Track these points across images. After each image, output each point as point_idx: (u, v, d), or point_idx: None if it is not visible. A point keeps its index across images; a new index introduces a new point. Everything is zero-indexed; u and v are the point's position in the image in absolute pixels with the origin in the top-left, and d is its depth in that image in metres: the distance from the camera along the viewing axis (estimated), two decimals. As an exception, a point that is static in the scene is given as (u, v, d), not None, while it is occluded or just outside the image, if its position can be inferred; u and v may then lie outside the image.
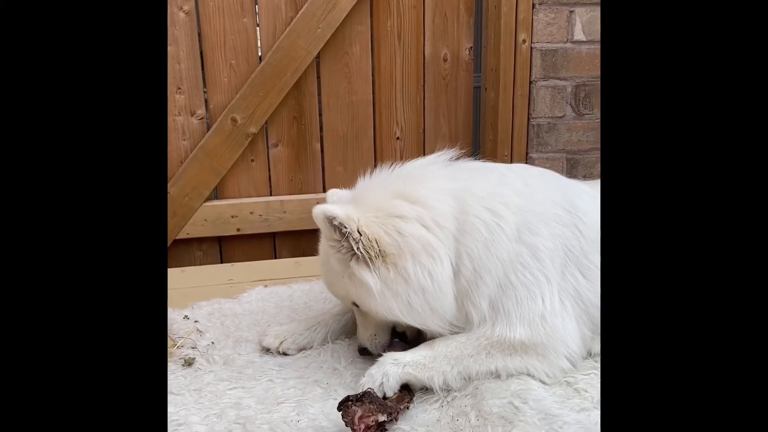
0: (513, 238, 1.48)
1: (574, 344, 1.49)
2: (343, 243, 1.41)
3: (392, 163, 1.61)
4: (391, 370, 1.41)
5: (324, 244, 1.51)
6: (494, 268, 1.47)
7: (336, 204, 1.43)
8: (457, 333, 1.50)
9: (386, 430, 1.31)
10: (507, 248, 1.47)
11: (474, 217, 1.47)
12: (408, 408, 1.38)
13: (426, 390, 1.45)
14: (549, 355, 1.47)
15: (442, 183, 1.51)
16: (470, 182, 1.54)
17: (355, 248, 1.40)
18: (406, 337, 1.61)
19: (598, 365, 1.53)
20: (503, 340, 1.46)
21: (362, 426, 1.28)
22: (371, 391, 1.34)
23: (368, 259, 1.40)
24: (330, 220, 1.39)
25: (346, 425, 1.28)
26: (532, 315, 1.46)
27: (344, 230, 1.39)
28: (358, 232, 1.39)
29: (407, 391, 1.42)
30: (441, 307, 1.44)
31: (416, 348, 1.50)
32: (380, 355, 1.48)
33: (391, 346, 1.57)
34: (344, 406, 1.30)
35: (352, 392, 1.44)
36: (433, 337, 1.53)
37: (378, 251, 1.40)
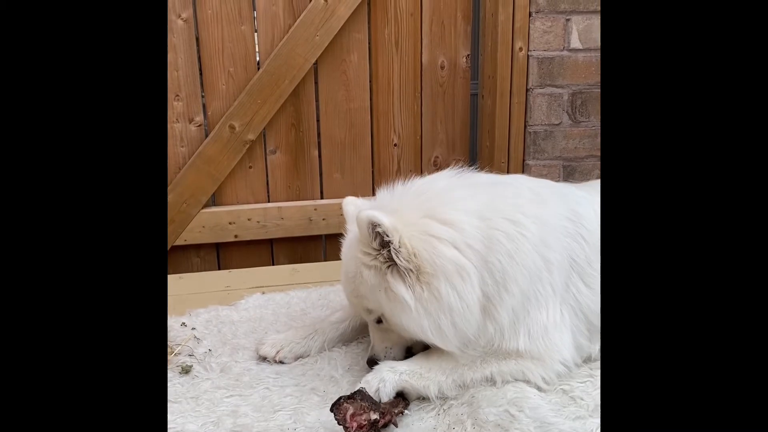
0: (536, 247, 1.48)
1: (568, 353, 1.51)
2: (382, 252, 1.39)
3: (408, 178, 1.59)
4: (387, 376, 1.42)
5: (355, 253, 1.46)
6: (520, 276, 1.45)
7: (380, 211, 1.39)
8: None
9: (379, 430, 1.31)
10: (532, 257, 1.47)
11: (496, 231, 1.46)
12: (403, 413, 1.39)
13: (422, 397, 1.45)
14: (544, 359, 1.48)
15: (467, 203, 1.49)
16: (490, 198, 1.53)
17: (395, 259, 1.37)
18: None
19: (594, 373, 1.54)
20: (500, 348, 1.48)
21: (354, 425, 1.28)
22: (363, 389, 1.35)
23: (405, 273, 1.38)
24: (374, 226, 1.36)
25: (339, 423, 1.29)
26: (537, 327, 1.47)
27: (386, 239, 1.37)
28: (399, 243, 1.37)
29: (402, 397, 1.42)
30: (467, 329, 1.42)
31: (412, 358, 1.51)
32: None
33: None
34: (336, 404, 1.30)
35: (348, 399, 1.45)
36: None
37: (416, 266, 1.38)
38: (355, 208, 1.64)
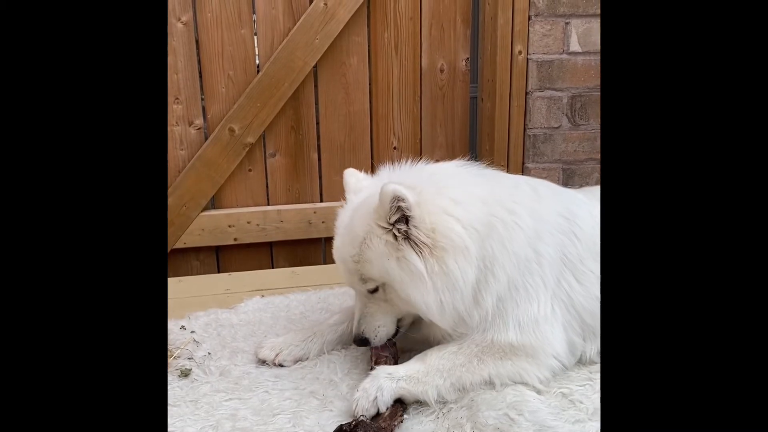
0: (529, 239, 1.52)
1: (560, 347, 1.53)
2: (399, 226, 1.41)
3: (410, 160, 1.62)
4: (385, 384, 1.41)
5: (367, 221, 1.46)
6: (508, 263, 1.49)
7: (404, 185, 1.40)
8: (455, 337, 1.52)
9: None
10: (523, 247, 1.51)
11: (494, 218, 1.50)
12: (402, 421, 1.39)
13: (421, 402, 1.45)
14: (538, 355, 1.50)
15: (475, 189, 1.53)
16: (492, 187, 1.57)
17: (414, 233, 1.39)
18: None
19: (593, 376, 1.54)
20: (494, 343, 1.48)
21: None
22: (364, 419, 1.34)
23: (420, 247, 1.40)
24: (397, 199, 1.38)
25: None
26: (527, 318, 1.49)
27: (407, 213, 1.39)
28: (420, 219, 1.39)
29: (400, 404, 1.42)
30: (460, 308, 1.45)
31: (409, 361, 1.51)
32: (372, 369, 1.49)
33: (381, 348, 1.57)
34: None
35: (347, 403, 1.45)
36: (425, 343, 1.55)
37: (433, 241, 1.41)
38: (356, 180, 1.68)
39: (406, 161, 1.62)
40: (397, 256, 1.42)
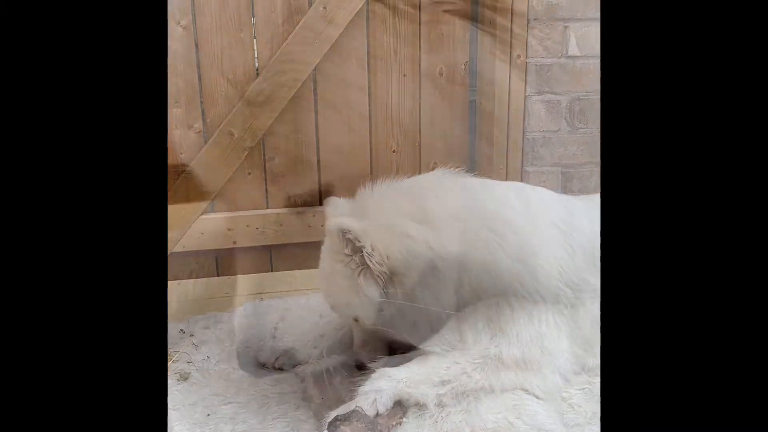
0: (514, 257, 1.49)
1: (567, 362, 1.51)
2: (354, 258, 1.40)
3: (392, 177, 1.60)
4: (384, 386, 1.41)
5: (330, 257, 1.48)
6: (494, 288, 1.47)
7: (349, 217, 1.40)
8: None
9: None
10: (507, 267, 1.48)
11: (474, 236, 1.47)
12: (401, 424, 1.39)
13: (420, 405, 1.45)
14: (543, 370, 1.48)
15: (449, 204, 1.51)
16: (473, 202, 1.54)
17: (368, 263, 1.38)
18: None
19: (592, 380, 1.54)
20: (498, 359, 1.47)
21: None
22: (359, 409, 1.34)
23: (378, 276, 1.39)
24: (344, 233, 1.37)
25: None
26: (529, 335, 1.47)
27: (357, 244, 1.38)
28: (371, 248, 1.38)
29: (399, 406, 1.42)
30: (443, 329, 1.44)
31: (409, 364, 1.50)
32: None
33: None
34: (332, 426, 1.29)
35: (346, 407, 1.44)
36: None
37: (389, 268, 1.39)
38: (334, 207, 1.66)
39: (389, 177, 1.60)
40: (356, 290, 1.42)
